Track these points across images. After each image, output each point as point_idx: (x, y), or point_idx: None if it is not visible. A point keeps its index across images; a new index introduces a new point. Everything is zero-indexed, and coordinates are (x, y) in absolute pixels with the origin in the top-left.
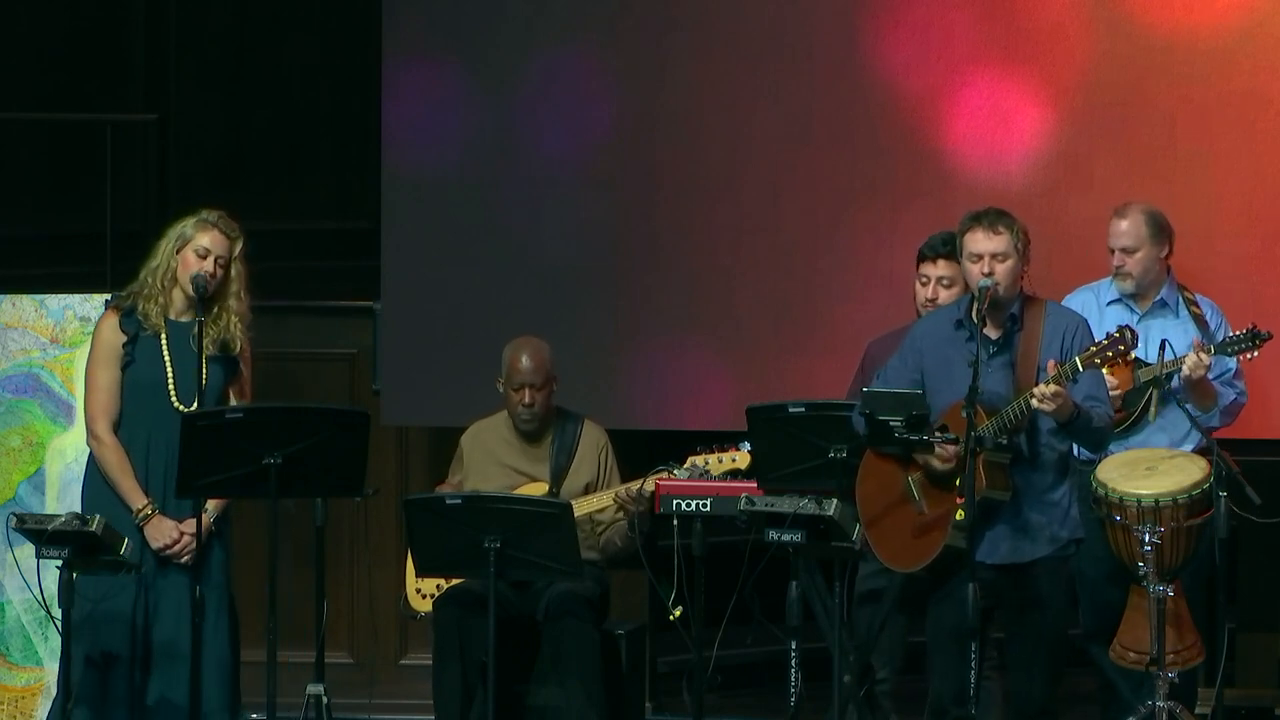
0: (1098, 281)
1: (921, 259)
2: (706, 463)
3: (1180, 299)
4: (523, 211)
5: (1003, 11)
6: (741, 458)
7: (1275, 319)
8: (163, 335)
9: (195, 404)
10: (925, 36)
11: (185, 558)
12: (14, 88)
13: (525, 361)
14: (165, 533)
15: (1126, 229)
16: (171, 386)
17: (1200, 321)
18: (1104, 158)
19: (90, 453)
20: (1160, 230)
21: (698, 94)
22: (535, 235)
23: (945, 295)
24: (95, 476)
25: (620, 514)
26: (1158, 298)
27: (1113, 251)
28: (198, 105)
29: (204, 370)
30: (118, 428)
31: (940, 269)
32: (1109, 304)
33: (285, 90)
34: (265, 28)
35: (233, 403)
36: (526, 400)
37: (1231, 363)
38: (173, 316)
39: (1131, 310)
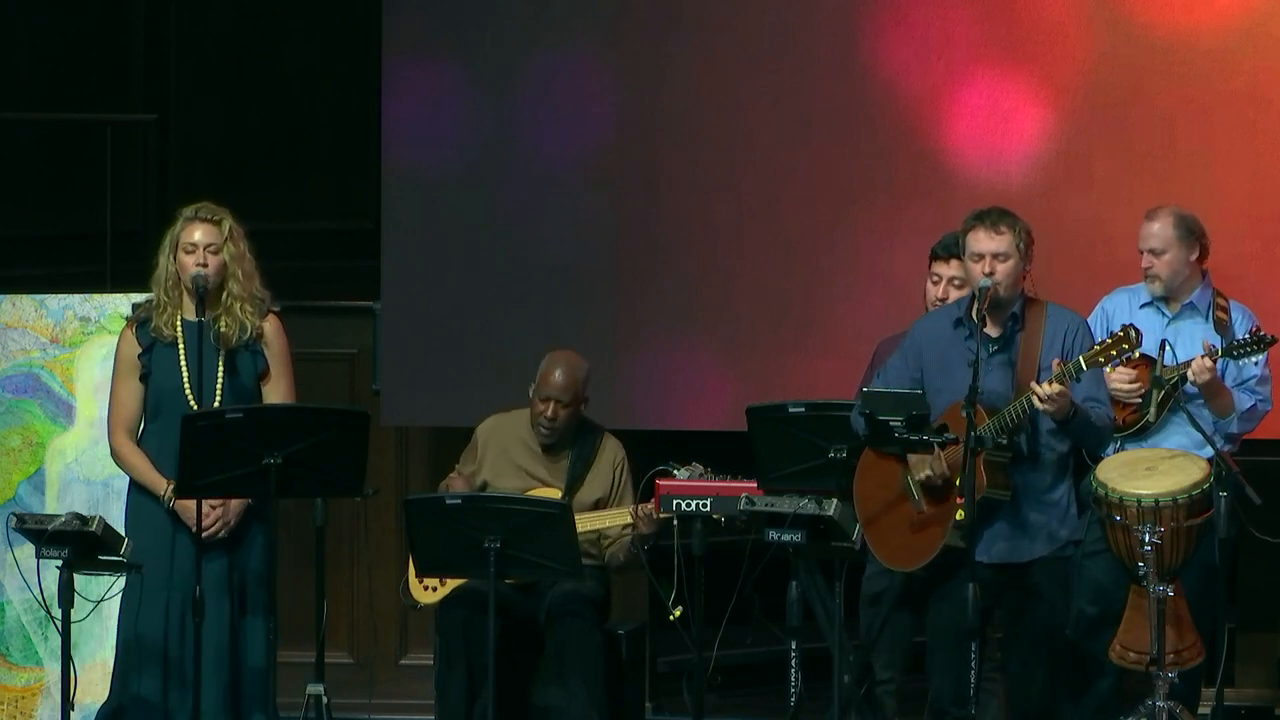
0: (1137, 284)
1: (934, 258)
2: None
3: (1211, 303)
4: (523, 211)
5: (1003, 11)
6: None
7: (1276, 319)
8: (179, 341)
9: (215, 403)
10: (925, 36)
11: (220, 534)
12: (14, 88)
13: (558, 376)
14: (192, 507)
15: (1156, 231)
16: (188, 390)
17: (1221, 326)
18: (1104, 158)
19: (130, 480)
20: (1190, 233)
21: (698, 94)
22: (535, 235)
23: (956, 295)
24: (133, 493)
25: (628, 530)
26: (1188, 301)
27: (1142, 253)
28: (198, 105)
29: (220, 367)
30: (141, 438)
31: (953, 269)
32: (1142, 306)
33: (285, 90)
34: (265, 28)
35: (266, 395)
36: (549, 414)
37: (1254, 369)
38: (189, 318)
39: (1162, 313)
